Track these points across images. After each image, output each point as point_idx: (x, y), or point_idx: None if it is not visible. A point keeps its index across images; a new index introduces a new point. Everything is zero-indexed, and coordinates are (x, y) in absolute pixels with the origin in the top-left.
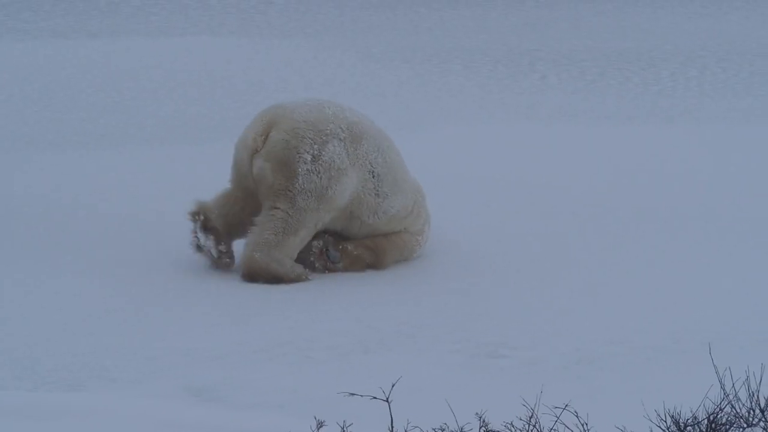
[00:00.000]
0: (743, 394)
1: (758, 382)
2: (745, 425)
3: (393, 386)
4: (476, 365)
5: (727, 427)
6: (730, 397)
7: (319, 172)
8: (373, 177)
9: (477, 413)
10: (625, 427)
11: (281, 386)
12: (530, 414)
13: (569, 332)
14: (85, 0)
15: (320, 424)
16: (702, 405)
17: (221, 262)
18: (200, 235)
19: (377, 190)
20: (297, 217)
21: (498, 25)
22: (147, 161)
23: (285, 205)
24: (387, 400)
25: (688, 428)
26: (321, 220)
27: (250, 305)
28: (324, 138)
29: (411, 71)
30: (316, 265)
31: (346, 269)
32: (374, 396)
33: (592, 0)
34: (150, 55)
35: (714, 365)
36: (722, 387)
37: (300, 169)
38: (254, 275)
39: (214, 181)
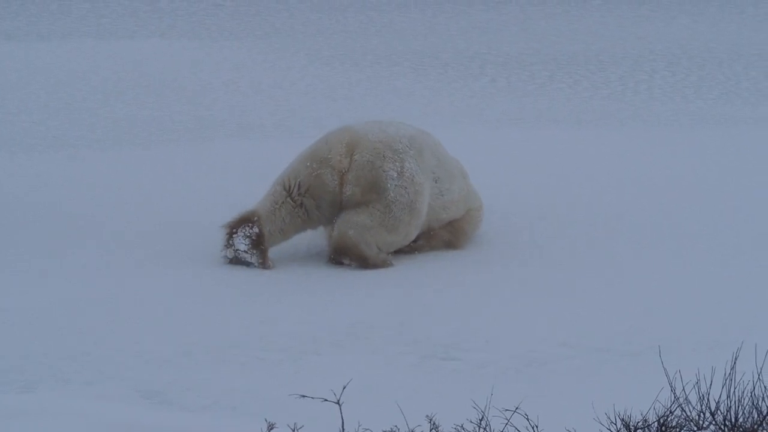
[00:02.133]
0: (693, 397)
1: (708, 385)
2: (695, 428)
3: (344, 388)
4: (427, 367)
5: (678, 430)
6: (681, 400)
7: (406, 187)
8: (436, 182)
9: (427, 415)
10: (575, 430)
11: (233, 388)
12: (481, 416)
13: (521, 334)
14: (36, 2)
15: (271, 426)
16: (652, 408)
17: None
18: (244, 253)
19: (440, 190)
20: (392, 222)
21: (447, 28)
22: (98, 164)
23: (381, 207)
24: (338, 402)
25: (639, 431)
26: (410, 234)
27: (202, 307)
28: (400, 156)
29: (360, 74)
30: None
31: (428, 246)
32: (325, 398)
33: (542, 3)
34: (100, 58)
35: (664, 368)
36: (672, 390)
37: (389, 185)
38: (343, 251)
39: (165, 183)
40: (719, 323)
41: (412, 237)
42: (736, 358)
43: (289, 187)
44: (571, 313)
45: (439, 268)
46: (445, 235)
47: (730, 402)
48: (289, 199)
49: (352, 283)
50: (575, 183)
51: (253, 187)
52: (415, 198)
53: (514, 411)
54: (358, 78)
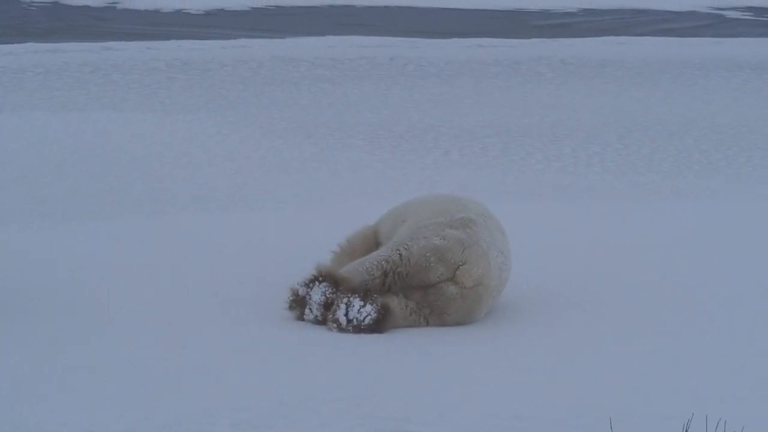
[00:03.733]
0: None
1: None
2: None
3: None
4: None
5: None
6: None
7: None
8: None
9: None
10: None
11: None
12: None
13: (473, 407)
14: None
15: None
16: None
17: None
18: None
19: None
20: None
21: (401, 101)
22: (50, 238)
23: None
24: None
25: None
26: None
27: (149, 381)
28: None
29: (314, 147)
30: None
31: None
32: None
33: (495, 76)
34: (53, 131)
35: None
36: None
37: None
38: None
39: (118, 256)
40: (671, 395)
41: None
42: (686, 430)
43: (390, 271)
44: (524, 384)
45: (391, 341)
46: None
47: None
48: (380, 279)
49: (303, 356)
50: (525, 255)
51: (209, 261)
52: None
53: None
54: (311, 151)
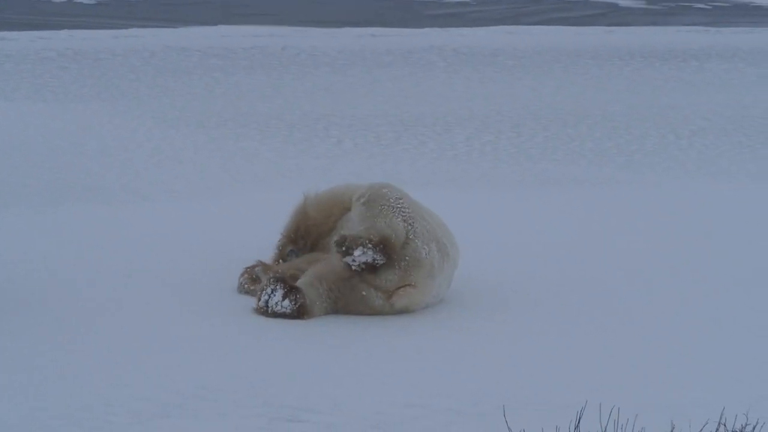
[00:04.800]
0: None
1: None
2: None
3: None
4: (276, 430)
5: None
6: None
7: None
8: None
9: None
10: None
11: None
12: None
13: (369, 395)
14: None
15: None
16: None
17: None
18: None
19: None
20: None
21: (293, 90)
22: None
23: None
24: None
25: None
26: None
27: (48, 372)
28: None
29: (206, 136)
30: None
31: None
32: None
33: (387, 65)
34: None
35: (509, 428)
36: None
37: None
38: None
39: (9, 251)
40: (566, 385)
41: None
42: (580, 418)
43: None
44: (422, 375)
45: (286, 329)
46: None
47: None
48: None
49: (201, 346)
50: None
51: (108, 253)
52: None
53: None
54: (203, 140)
